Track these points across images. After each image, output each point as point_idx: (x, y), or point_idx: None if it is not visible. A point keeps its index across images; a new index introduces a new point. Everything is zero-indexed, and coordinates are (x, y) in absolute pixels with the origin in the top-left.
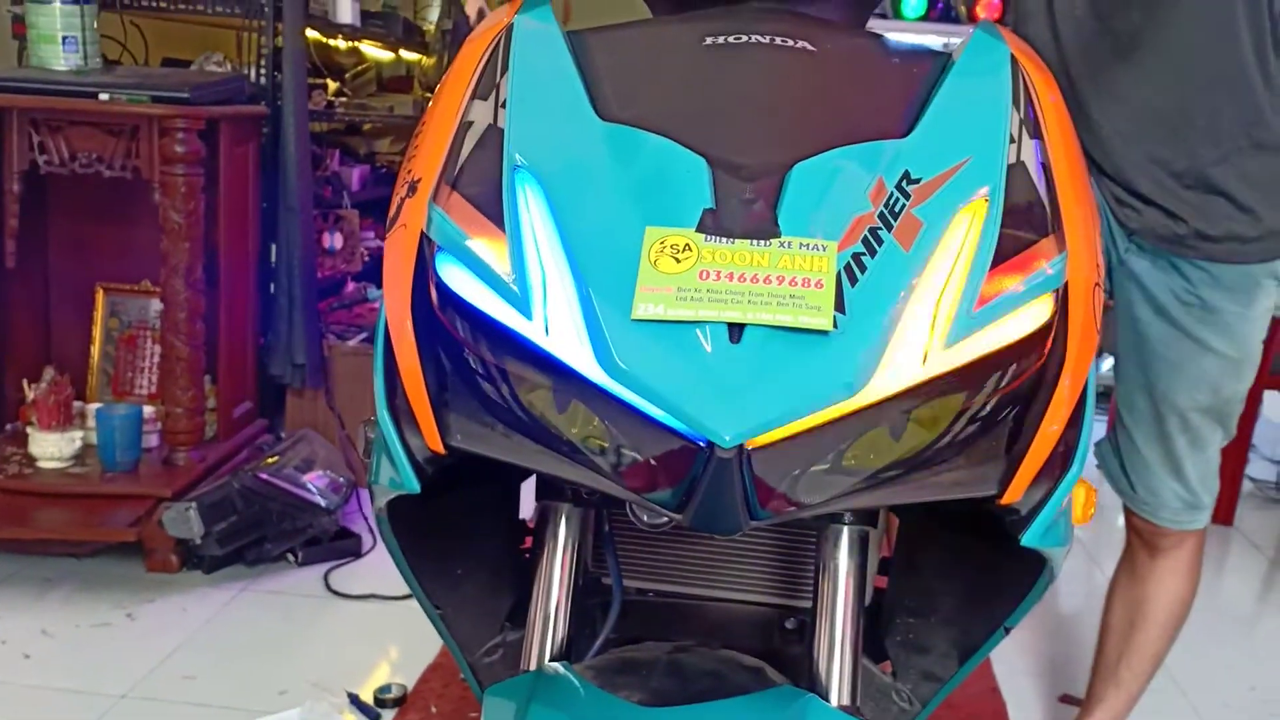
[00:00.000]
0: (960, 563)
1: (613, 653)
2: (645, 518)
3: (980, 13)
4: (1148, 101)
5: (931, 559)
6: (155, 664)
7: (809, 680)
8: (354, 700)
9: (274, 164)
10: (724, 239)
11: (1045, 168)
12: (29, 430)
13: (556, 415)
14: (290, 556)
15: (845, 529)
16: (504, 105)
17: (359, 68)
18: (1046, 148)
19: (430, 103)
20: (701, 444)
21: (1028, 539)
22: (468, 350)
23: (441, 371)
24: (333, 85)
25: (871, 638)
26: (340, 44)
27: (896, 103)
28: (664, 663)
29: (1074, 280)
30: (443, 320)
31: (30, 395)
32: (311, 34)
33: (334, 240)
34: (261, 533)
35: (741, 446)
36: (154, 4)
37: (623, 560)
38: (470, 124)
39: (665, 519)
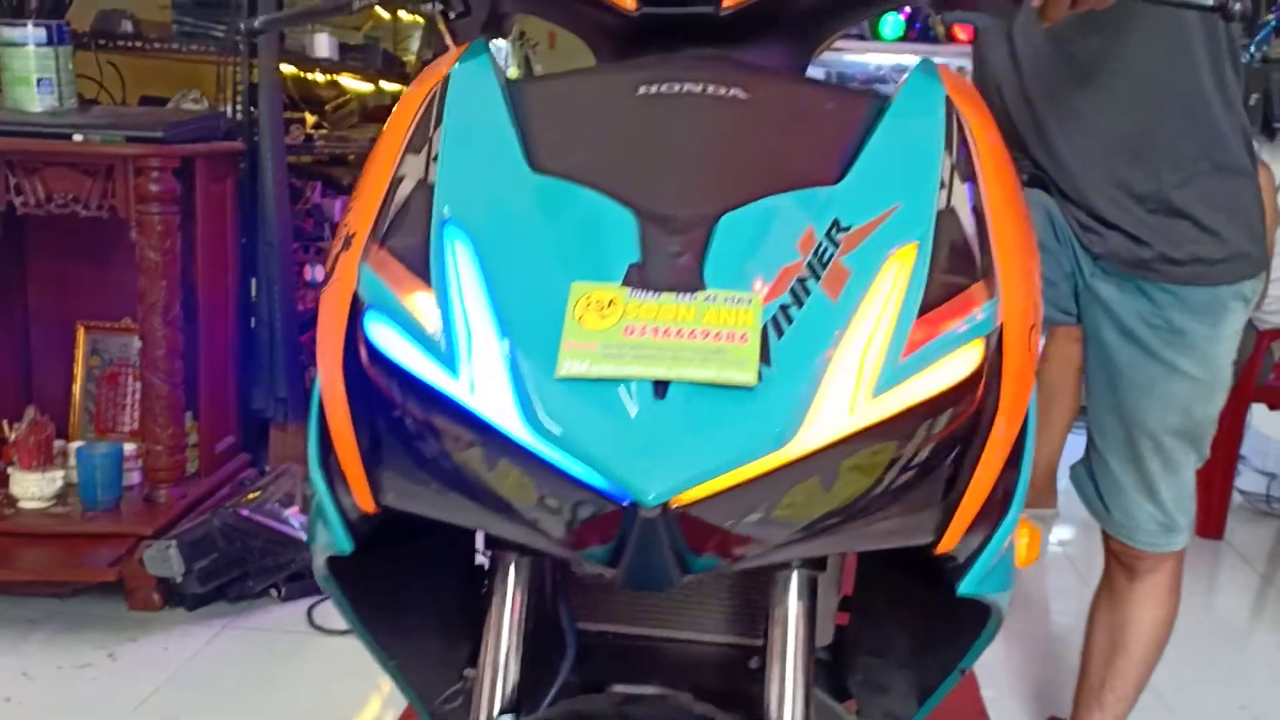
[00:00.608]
0: (915, 603)
1: (561, 704)
2: (587, 569)
3: (959, 34)
4: (1108, 125)
5: (888, 599)
6: (136, 705)
7: None
8: None
9: (253, 199)
10: (649, 293)
11: (978, 212)
12: (10, 470)
13: (487, 473)
14: (273, 592)
15: (794, 573)
16: (435, 159)
17: (339, 100)
18: (980, 191)
19: (368, 155)
20: (626, 503)
21: (964, 588)
22: (398, 408)
23: (375, 429)
24: (311, 118)
25: (835, 677)
26: (319, 77)
27: (830, 148)
28: (612, 714)
29: (1009, 323)
30: (373, 378)
31: (10, 436)
32: (290, 69)
33: (316, 273)
34: (243, 569)
35: (666, 504)
36: (129, 44)
37: (581, 603)
38: (402, 178)
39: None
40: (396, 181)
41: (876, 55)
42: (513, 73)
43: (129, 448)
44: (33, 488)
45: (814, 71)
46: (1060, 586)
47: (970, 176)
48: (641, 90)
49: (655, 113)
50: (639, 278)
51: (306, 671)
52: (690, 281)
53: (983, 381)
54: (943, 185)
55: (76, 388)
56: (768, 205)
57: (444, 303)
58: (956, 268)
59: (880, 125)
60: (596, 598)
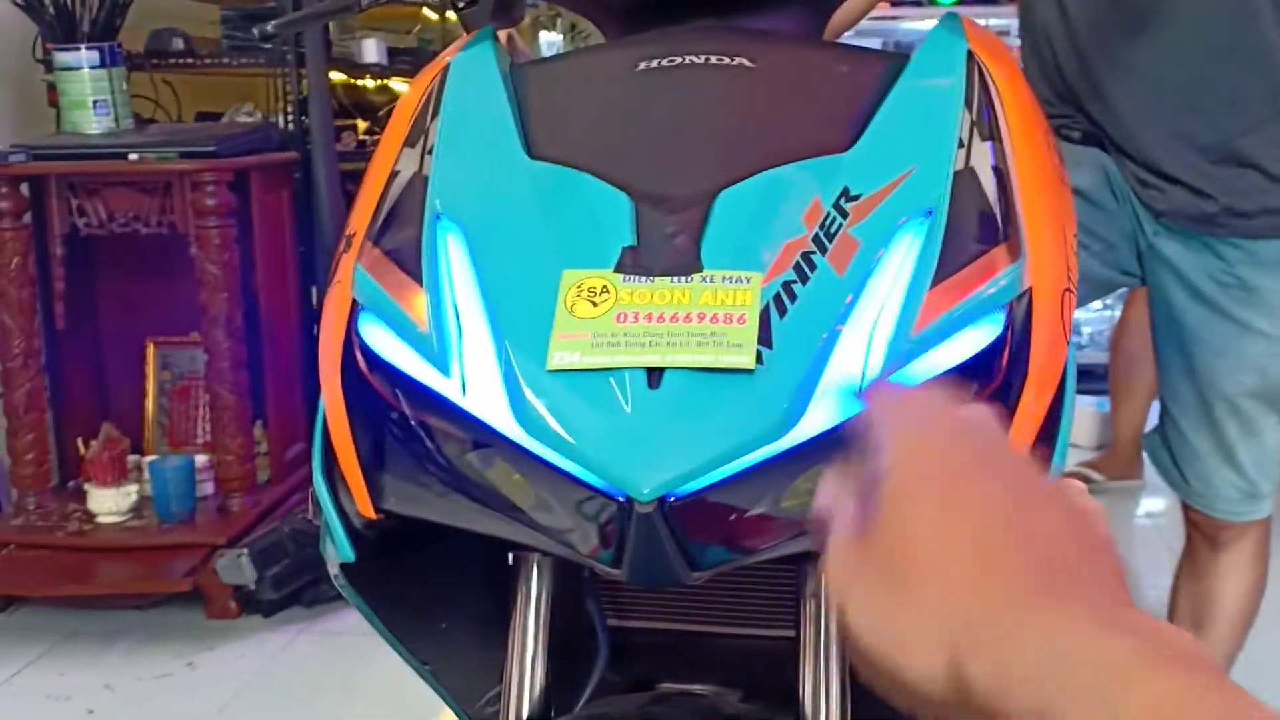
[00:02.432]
0: None
1: (591, 707)
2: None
3: None
4: (1165, 75)
5: None
6: (215, 712)
7: None
8: None
9: (309, 208)
10: (643, 278)
11: (1000, 172)
12: (86, 487)
13: (485, 474)
14: None
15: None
16: (431, 152)
17: (390, 104)
18: (1004, 149)
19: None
20: (621, 499)
21: None
22: (395, 410)
23: (376, 433)
24: (363, 124)
25: None
26: (369, 83)
27: (841, 114)
28: (636, 718)
29: (1038, 286)
30: (370, 380)
31: (86, 453)
32: (339, 76)
33: None
34: (315, 574)
35: (662, 499)
36: (181, 61)
37: (620, 598)
38: (397, 174)
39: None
40: (393, 177)
41: (934, 21)
42: None
43: (201, 459)
44: (109, 503)
45: (869, 44)
46: (1149, 560)
47: (993, 135)
48: (642, 66)
49: (655, 88)
50: (633, 262)
51: (382, 673)
52: (686, 263)
53: (1007, 351)
54: (961, 145)
55: (149, 403)
56: (770, 178)
57: (435, 300)
58: (975, 231)
59: (896, 86)
60: (634, 595)
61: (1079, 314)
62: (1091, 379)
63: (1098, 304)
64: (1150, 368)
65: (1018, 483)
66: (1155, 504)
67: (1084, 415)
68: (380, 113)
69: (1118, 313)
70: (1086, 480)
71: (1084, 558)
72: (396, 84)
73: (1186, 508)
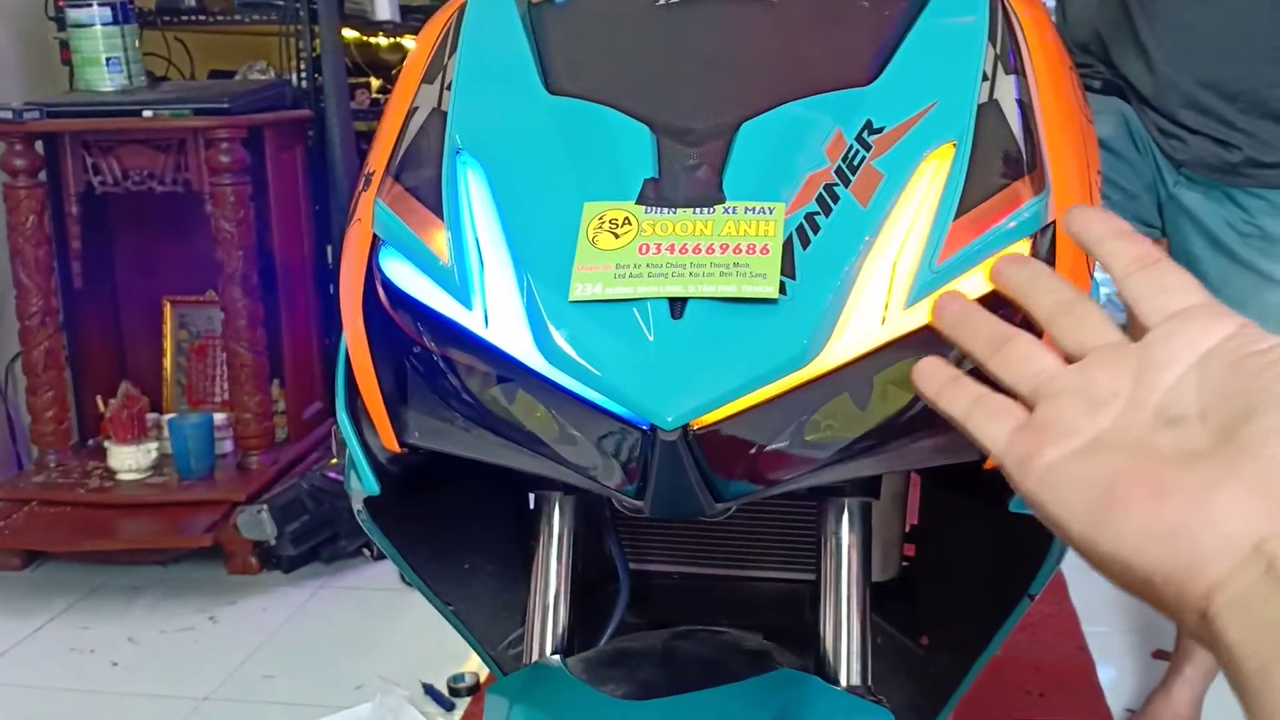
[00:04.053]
0: (982, 530)
1: (613, 642)
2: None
3: None
4: (1198, 21)
5: (954, 527)
6: (236, 665)
7: (816, 661)
8: (429, 690)
9: (323, 166)
10: (665, 209)
11: (1024, 105)
12: (107, 444)
13: (507, 406)
14: (365, 551)
15: (845, 501)
16: (449, 87)
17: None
18: (1028, 83)
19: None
20: (645, 428)
21: (1016, 505)
22: (417, 344)
23: (398, 368)
24: (376, 82)
25: (905, 611)
26: (382, 41)
27: (864, 49)
28: (659, 652)
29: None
30: (393, 316)
31: (105, 411)
32: (352, 34)
33: None
34: (334, 530)
35: (686, 427)
36: (193, 19)
37: (643, 541)
38: (416, 110)
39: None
40: (410, 114)
41: None
42: None
43: (220, 417)
44: (129, 460)
45: None
46: None
47: (1017, 69)
48: (661, 1)
49: (675, 23)
50: (655, 194)
51: (398, 628)
52: (708, 195)
53: None
54: (985, 78)
55: (167, 361)
56: (791, 111)
57: (456, 234)
58: (999, 164)
59: (918, 22)
60: (654, 537)
61: (1096, 273)
62: None
63: None
64: None
65: None
66: None
67: None
68: (394, 71)
69: None
70: None
71: None
72: (409, 42)
73: None
